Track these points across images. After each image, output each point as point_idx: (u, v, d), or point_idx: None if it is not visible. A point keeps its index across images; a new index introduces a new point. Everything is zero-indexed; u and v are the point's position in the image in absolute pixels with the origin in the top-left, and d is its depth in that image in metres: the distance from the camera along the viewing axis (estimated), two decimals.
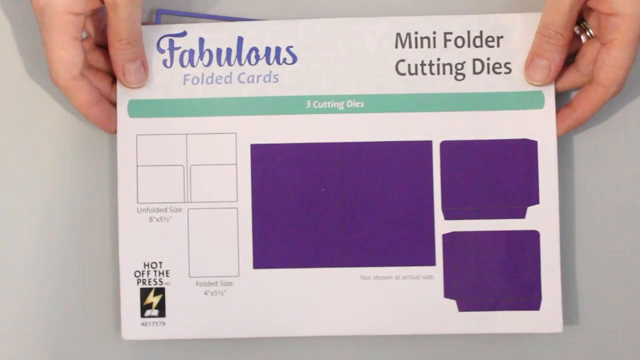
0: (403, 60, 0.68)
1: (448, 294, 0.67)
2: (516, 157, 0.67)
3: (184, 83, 0.68)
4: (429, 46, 0.68)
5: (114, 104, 0.68)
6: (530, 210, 0.67)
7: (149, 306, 0.68)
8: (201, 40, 0.68)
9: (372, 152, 0.67)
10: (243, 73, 0.68)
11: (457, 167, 0.67)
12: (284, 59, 0.68)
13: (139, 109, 0.68)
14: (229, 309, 0.68)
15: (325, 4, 0.69)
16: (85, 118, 0.68)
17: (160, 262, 0.68)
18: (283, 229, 0.68)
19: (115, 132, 0.68)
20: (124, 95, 0.68)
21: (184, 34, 0.68)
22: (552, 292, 0.67)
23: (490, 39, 0.67)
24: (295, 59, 0.68)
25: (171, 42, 0.68)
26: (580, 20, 0.67)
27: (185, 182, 0.68)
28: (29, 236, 0.70)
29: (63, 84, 0.65)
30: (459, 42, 0.68)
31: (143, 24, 0.67)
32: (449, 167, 0.67)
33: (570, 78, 0.67)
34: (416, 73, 0.68)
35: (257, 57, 0.68)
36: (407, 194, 0.67)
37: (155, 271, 0.68)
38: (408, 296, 0.67)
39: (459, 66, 0.67)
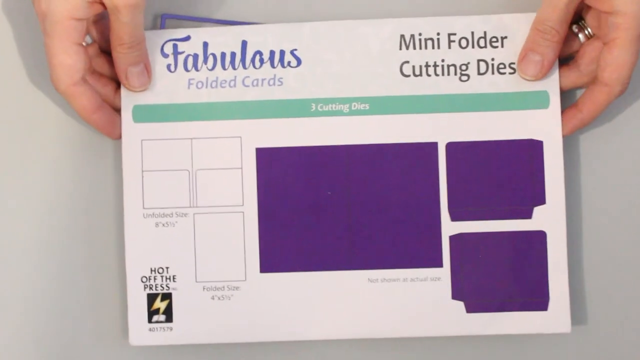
0: (407, 62, 0.68)
1: (456, 295, 0.67)
2: (522, 157, 0.67)
3: (188, 87, 0.68)
4: (433, 47, 0.68)
5: (118, 110, 0.68)
6: (537, 210, 0.67)
7: (156, 311, 0.68)
8: (205, 45, 0.68)
9: (377, 155, 0.67)
10: (247, 77, 0.68)
11: (463, 168, 0.67)
12: (288, 62, 0.68)
13: (143, 114, 0.68)
14: (236, 314, 0.68)
15: (328, 7, 0.69)
16: (87, 124, 0.68)
17: (167, 268, 0.68)
18: (289, 232, 0.68)
19: (117, 137, 0.68)
20: (128, 101, 0.68)
21: (187, 38, 0.68)
22: (560, 292, 0.67)
23: (494, 39, 0.67)
24: (299, 62, 0.68)
25: (175, 46, 0.68)
26: (579, 19, 0.67)
27: (190, 186, 0.68)
28: (34, 242, 0.70)
29: (64, 90, 0.65)
30: (463, 43, 0.67)
31: (147, 29, 0.67)
32: (455, 169, 0.67)
33: (571, 78, 0.67)
34: (421, 74, 0.68)
35: (262, 61, 0.68)
36: (413, 196, 0.67)
37: (162, 276, 0.68)
38: (415, 298, 0.67)
39: (464, 67, 0.67)
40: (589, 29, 0.66)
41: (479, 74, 0.67)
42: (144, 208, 0.68)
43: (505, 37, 0.67)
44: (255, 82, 0.68)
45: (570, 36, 0.67)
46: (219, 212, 0.68)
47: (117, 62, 0.66)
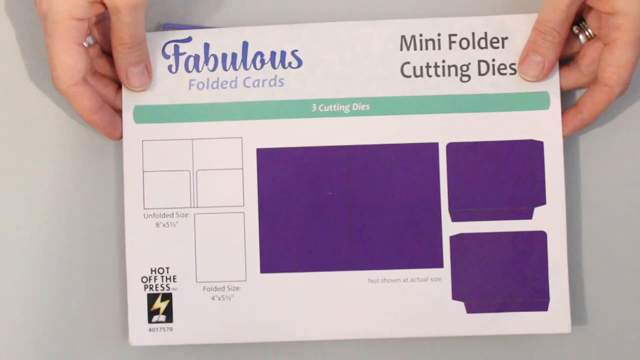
0: (408, 63, 0.68)
1: (456, 295, 0.67)
2: (522, 158, 0.67)
3: (190, 88, 0.68)
4: (434, 48, 0.68)
5: (119, 111, 0.68)
6: (537, 211, 0.67)
7: (156, 312, 0.68)
8: (206, 46, 0.68)
9: (378, 155, 0.68)
10: (248, 77, 0.68)
11: (463, 169, 0.67)
12: (289, 63, 0.68)
13: (144, 115, 0.68)
14: (237, 314, 0.68)
15: (329, 8, 0.69)
16: (88, 124, 0.68)
17: (167, 268, 0.68)
18: (290, 232, 0.68)
19: (118, 138, 0.68)
20: (129, 101, 0.68)
21: (189, 39, 0.68)
22: (560, 293, 0.67)
23: (495, 40, 0.68)
24: (300, 63, 0.68)
25: (176, 47, 0.68)
26: (579, 20, 0.67)
27: (191, 187, 0.68)
28: (34, 242, 0.70)
29: (65, 90, 0.65)
30: (464, 43, 0.68)
31: (148, 32, 0.68)
32: (456, 169, 0.67)
33: (572, 78, 0.67)
34: (421, 75, 0.68)
35: (263, 62, 0.68)
36: (413, 196, 0.67)
37: (162, 277, 0.68)
38: (416, 299, 0.67)
39: (464, 68, 0.68)
40: (590, 30, 0.67)
41: (480, 74, 0.68)
42: (144, 208, 0.68)
43: (506, 38, 0.68)
44: (256, 83, 0.68)
45: (571, 37, 0.67)
46: (219, 212, 0.68)
47: (118, 62, 0.66)
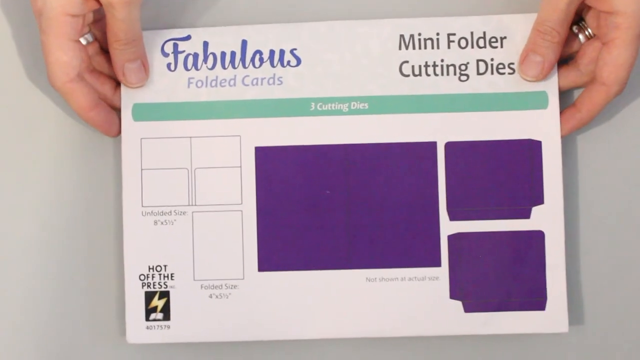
0: (407, 62, 0.68)
1: (454, 295, 0.67)
2: (521, 157, 0.67)
3: (188, 86, 0.68)
4: (432, 47, 0.68)
5: (118, 109, 0.68)
6: (535, 210, 0.67)
7: (154, 309, 0.68)
8: (205, 44, 0.68)
9: (376, 154, 0.68)
10: (247, 76, 0.68)
11: (461, 168, 0.67)
12: (288, 62, 0.68)
13: (143, 113, 0.68)
14: (234, 312, 0.68)
15: (328, 7, 0.69)
16: (85, 121, 0.68)
17: (165, 266, 0.68)
18: (288, 231, 0.68)
19: (115, 135, 0.68)
20: (128, 99, 0.68)
21: (188, 37, 0.68)
22: (558, 292, 0.67)
23: (493, 39, 0.68)
24: (299, 62, 0.68)
25: (175, 45, 0.68)
26: (579, 19, 0.67)
27: (189, 185, 0.68)
28: (33, 240, 0.70)
29: (60, 87, 0.65)
30: (463, 43, 0.68)
31: (146, 29, 0.68)
32: (454, 168, 0.67)
33: (571, 78, 0.68)
34: (420, 74, 0.68)
35: (261, 60, 0.68)
36: (411, 195, 0.68)
37: (160, 274, 0.68)
38: (414, 298, 0.67)
39: (463, 67, 0.68)
40: (589, 30, 0.67)
41: (478, 74, 0.68)
42: (142, 206, 0.68)
43: (505, 38, 0.68)
44: (255, 81, 0.68)
45: (570, 36, 0.67)
46: (217, 210, 0.68)
47: (114, 58, 0.66)
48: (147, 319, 0.68)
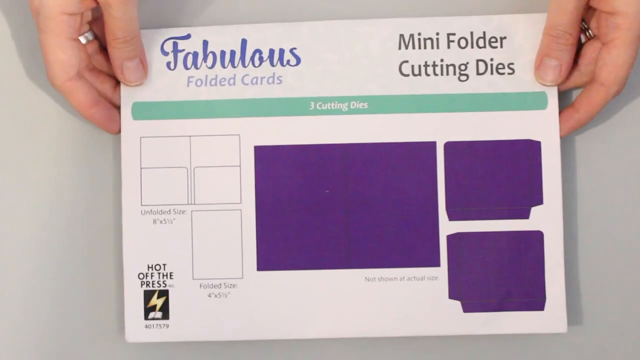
0: (406, 62, 0.68)
1: (453, 295, 0.67)
2: (520, 157, 0.67)
3: (188, 85, 0.68)
4: (432, 47, 0.68)
5: (117, 107, 0.68)
6: (534, 210, 0.67)
7: (153, 308, 0.68)
8: (205, 43, 0.68)
9: (376, 153, 0.68)
10: (247, 75, 0.68)
11: (461, 168, 0.67)
12: (288, 61, 0.68)
13: (142, 111, 0.68)
14: (233, 311, 0.68)
15: (328, 7, 0.69)
16: (86, 119, 0.68)
17: (164, 264, 0.68)
18: (287, 230, 0.68)
19: (117, 132, 0.68)
20: (127, 98, 0.68)
21: (188, 36, 0.68)
22: (556, 293, 0.67)
23: (493, 39, 0.68)
24: (299, 61, 0.68)
25: (175, 44, 0.68)
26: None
27: (189, 184, 0.68)
28: (32, 238, 0.70)
29: (60, 85, 0.65)
30: (462, 43, 0.68)
31: (146, 28, 0.68)
32: (453, 168, 0.67)
33: (571, 78, 0.67)
34: (419, 74, 0.68)
35: (261, 59, 0.68)
36: (411, 195, 0.68)
37: (159, 273, 0.68)
38: (413, 297, 0.67)
39: (463, 67, 0.68)
40: (590, 30, 0.67)
41: (478, 74, 0.68)
42: (142, 205, 0.68)
43: (505, 38, 0.68)
44: (254, 81, 0.68)
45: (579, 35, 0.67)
46: (216, 209, 0.68)
47: (113, 57, 0.66)
48: (146, 317, 0.68)
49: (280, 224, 0.68)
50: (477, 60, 0.68)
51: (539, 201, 0.67)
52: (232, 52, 0.68)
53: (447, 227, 0.67)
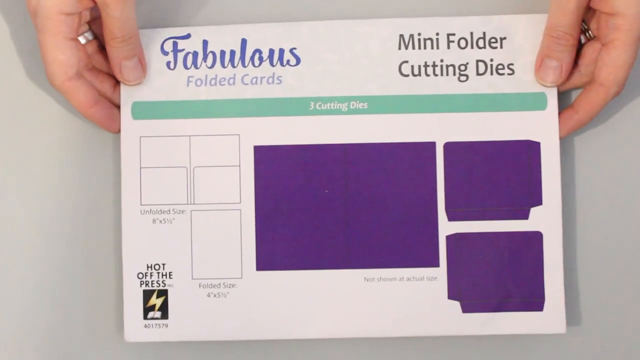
0: (406, 62, 0.68)
1: (452, 295, 0.67)
2: (519, 158, 0.67)
3: (188, 85, 0.68)
4: (432, 47, 0.68)
5: (117, 106, 0.68)
6: (534, 211, 0.67)
7: (152, 308, 0.68)
8: (205, 43, 0.68)
9: (375, 154, 0.68)
10: (246, 75, 0.68)
11: (460, 169, 0.67)
12: (288, 61, 0.68)
13: (142, 111, 0.68)
14: (232, 311, 0.68)
15: (328, 7, 0.69)
16: (86, 119, 0.68)
17: (164, 264, 0.68)
18: (286, 230, 0.68)
19: (117, 131, 0.68)
20: (127, 97, 0.68)
21: (187, 36, 0.68)
22: (555, 293, 0.67)
23: (493, 40, 0.68)
24: (298, 61, 0.68)
25: (175, 44, 0.68)
26: None
27: (188, 183, 0.68)
28: (31, 238, 0.70)
29: (60, 85, 0.65)
30: (462, 43, 0.68)
31: (146, 28, 0.68)
32: (453, 169, 0.68)
33: (571, 79, 0.67)
34: (419, 74, 0.68)
35: (261, 59, 0.68)
36: (410, 195, 0.68)
37: (158, 273, 0.68)
38: (412, 298, 0.67)
39: (462, 67, 0.68)
40: (590, 31, 0.67)
41: (478, 74, 0.68)
42: (141, 204, 0.68)
43: (504, 38, 0.68)
44: (254, 80, 0.68)
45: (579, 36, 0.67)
46: (216, 209, 0.68)
47: (111, 56, 0.66)
48: (145, 317, 0.68)
49: (279, 224, 0.68)
50: (477, 61, 0.68)
51: (538, 202, 0.67)
52: (232, 52, 0.68)
53: (446, 227, 0.67)
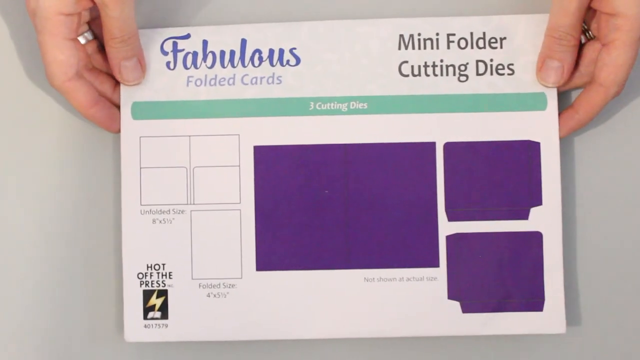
0: (406, 62, 0.68)
1: (452, 295, 0.67)
2: (519, 158, 0.67)
3: (187, 85, 0.68)
4: (432, 47, 0.68)
5: (118, 106, 0.68)
6: (533, 211, 0.67)
7: (152, 308, 0.68)
8: (205, 43, 0.68)
9: (375, 154, 0.68)
10: (246, 75, 0.68)
11: (460, 169, 0.67)
12: (287, 61, 0.68)
13: (142, 111, 0.68)
14: (232, 311, 0.68)
15: (328, 7, 0.69)
16: (86, 119, 0.68)
17: (163, 264, 0.68)
18: (286, 230, 0.68)
19: (118, 131, 0.68)
20: (127, 97, 0.68)
21: (187, 36, 0.68)
22: (555, 293, 0.67)
23: (493, 40, 0.68)
24: (298, 61, 0.68)
25: (175, 44, 0.68)
26: None
27: (188, 184, 0.68)
28: (31, 238, 0.70)
29: (60, 86, 0.65)
30: (462, 43, 0.68)
31: (145, 28, 0.68)
32: (453, 169, 0.68)
33: (571, 79, 0.67)
34: (419, 74, 0.68)
35: (261, 59, 0.68)
36: (410, 196, 0.68)
37: (158, 273, 0.68)
38: (412, 298, 0.67)
39: (462, 67, 0.68)
40: (591, 31, 0.67)
41: (478, 74, 0.68)
42: (141, 205, 0.68)
43: (504, 38, 0.68)
44: (254, 80, 0.68)
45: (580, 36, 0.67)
46: (216, 209, 0.68)
47: (110, 56, 0.66)
48: (145, 317, 0.68)
49: (279, 224, 0.68)
50: (477, 61, 0.68)
51: (538, 202, 0.67)
52: (232, 52, 0.68)
53: (446, 227, 0.67)
